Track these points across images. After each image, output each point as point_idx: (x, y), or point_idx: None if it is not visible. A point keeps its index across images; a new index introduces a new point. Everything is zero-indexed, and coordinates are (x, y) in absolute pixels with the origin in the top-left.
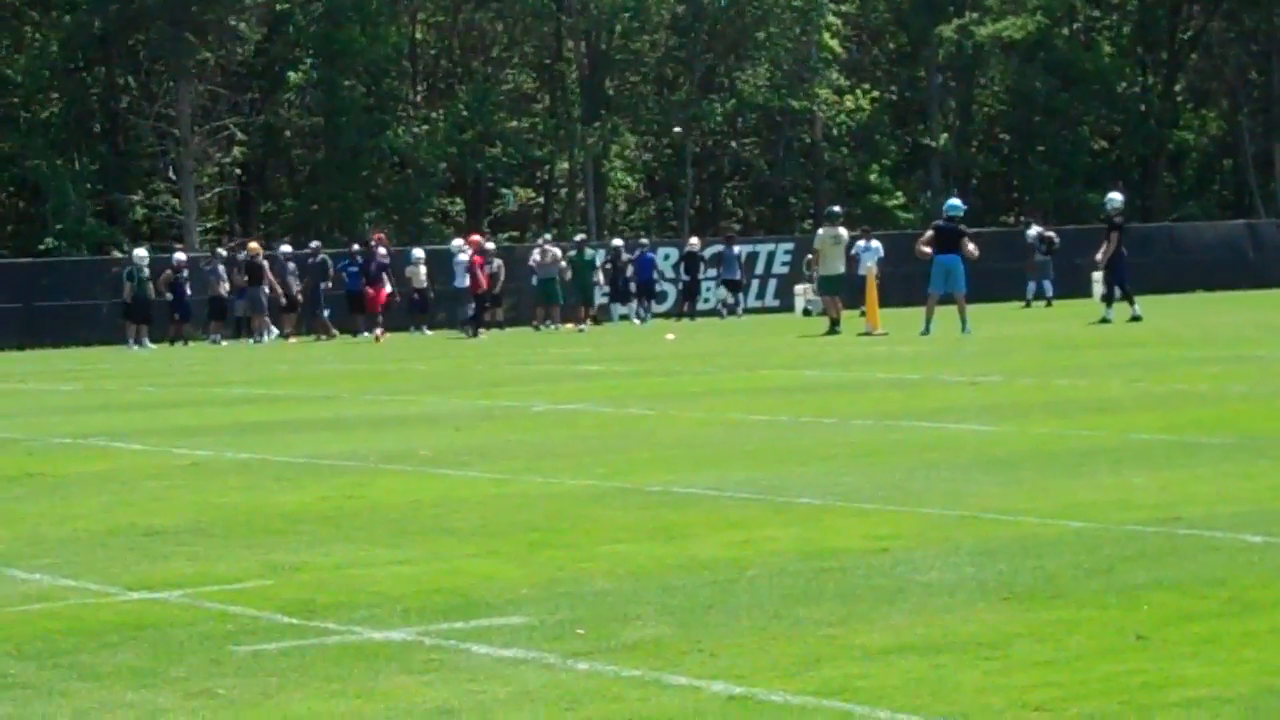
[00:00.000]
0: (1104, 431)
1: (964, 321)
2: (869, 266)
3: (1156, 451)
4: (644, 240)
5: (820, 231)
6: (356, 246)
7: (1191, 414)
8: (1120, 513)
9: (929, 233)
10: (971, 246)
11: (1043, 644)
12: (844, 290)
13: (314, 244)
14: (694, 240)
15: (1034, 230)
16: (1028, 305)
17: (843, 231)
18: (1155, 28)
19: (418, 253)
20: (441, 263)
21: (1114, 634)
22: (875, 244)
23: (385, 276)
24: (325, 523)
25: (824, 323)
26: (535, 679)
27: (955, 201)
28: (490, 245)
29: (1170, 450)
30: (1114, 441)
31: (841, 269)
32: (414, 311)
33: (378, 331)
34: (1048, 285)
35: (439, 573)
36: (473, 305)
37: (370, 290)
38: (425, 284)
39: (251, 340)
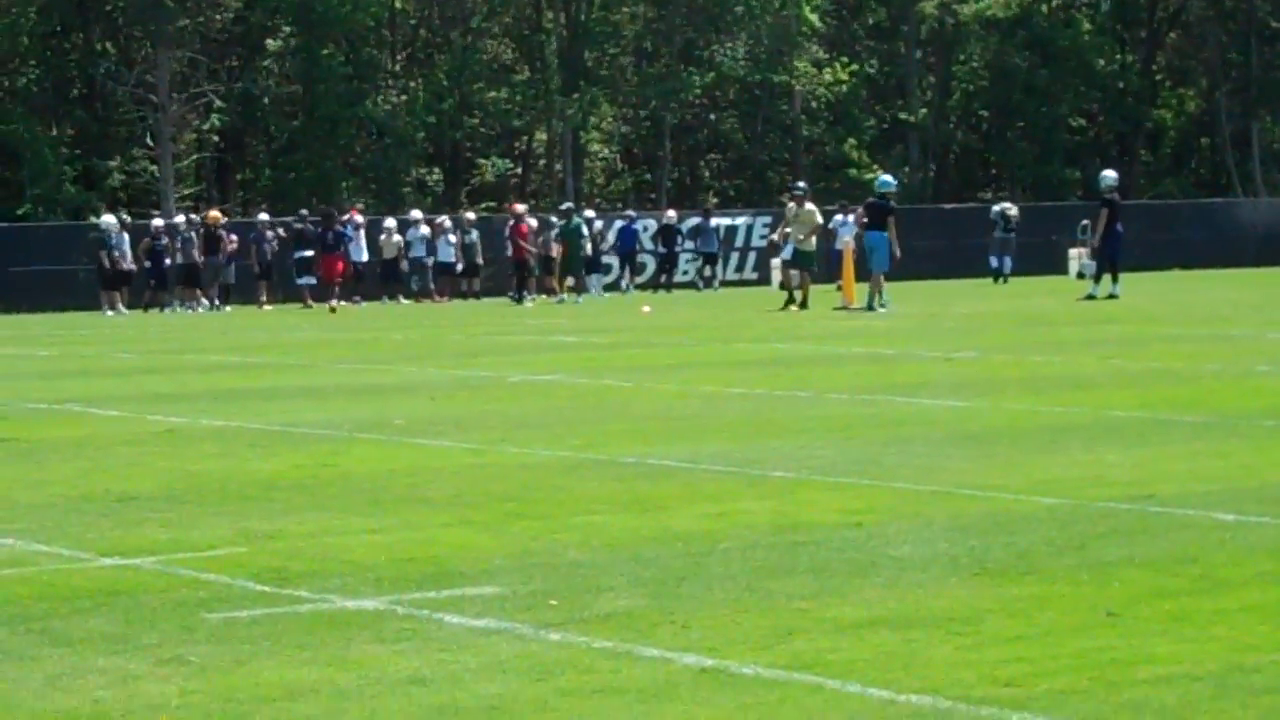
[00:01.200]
0: (1078, 408)
1: (871, 298)
2: (846, 241)
3: (1130, 429)
4: (629, 212)
5: (809, 206)
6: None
7: (1165, 392)
8: (1093, 489)
9: (860, 209)
10: (893, 233)
11: (1014, 619)
12: (813, 266)
13: (301, 212)
14: (671, 213)
15: (997, 207)
16: (997, 280)
17: (812, 208)
18: (1134, 6)
19: (389, 222)
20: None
21: (1085, 610)
22: (853, 219)
23: (345, 246)
24: (299, 491)
25: (798, 297)
26: (507, 649)
27: (886, 178)
28: (471, 215)
29: (1144, 428)
30: (1088, 418)
31: (811, 247)
32: (387, 281)
33: (332, 302)
34: (1007, 262)
35: (412, 542)
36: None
37: (327, 259)
38: (396, 253)
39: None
